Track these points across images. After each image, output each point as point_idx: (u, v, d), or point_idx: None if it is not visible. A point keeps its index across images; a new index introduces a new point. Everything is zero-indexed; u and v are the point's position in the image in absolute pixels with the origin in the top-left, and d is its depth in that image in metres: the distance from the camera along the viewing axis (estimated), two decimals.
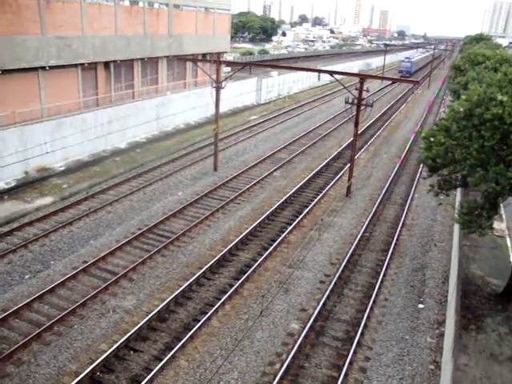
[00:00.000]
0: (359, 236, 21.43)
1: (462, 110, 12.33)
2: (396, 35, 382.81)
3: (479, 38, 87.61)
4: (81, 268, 17.63)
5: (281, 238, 20.80)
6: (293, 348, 14.01)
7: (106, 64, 34.22)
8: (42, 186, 25.41)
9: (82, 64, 31.72)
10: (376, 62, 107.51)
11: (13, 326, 14.62)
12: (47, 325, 14.41)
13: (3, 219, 21.46)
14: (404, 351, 14.45)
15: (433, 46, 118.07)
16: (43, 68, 28.69)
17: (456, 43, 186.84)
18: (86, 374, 12.52)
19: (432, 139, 13.30)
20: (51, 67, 29.11)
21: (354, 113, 25.47)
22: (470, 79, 24.57)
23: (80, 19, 30.50)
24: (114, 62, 34.71)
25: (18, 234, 20.43)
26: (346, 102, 25.62)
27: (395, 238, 21.57)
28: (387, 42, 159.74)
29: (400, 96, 66.74)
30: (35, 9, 27.20)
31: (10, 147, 25.00)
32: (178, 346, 13.76)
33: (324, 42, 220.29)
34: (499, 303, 13.66)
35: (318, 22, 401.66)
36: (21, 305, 15.24)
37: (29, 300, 15.52)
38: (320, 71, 30.59)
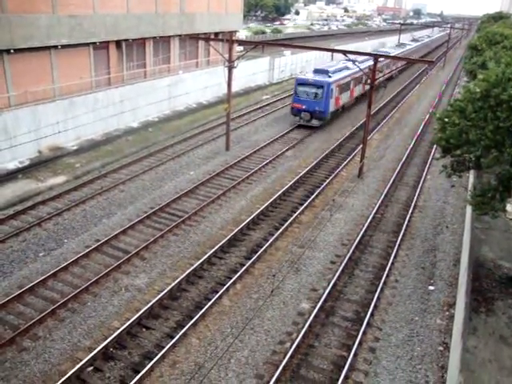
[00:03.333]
0: (371, 217, 21.38)
1: (478, 90, 12.13)
2: (412, 14, 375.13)
3: (498, 17, 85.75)
4: (94, 246, 17.86)
5: (292, 218, 20.85)
6: (303, 327, 14.14)
7: (118, 43, 34.06)
8: (54, 165, 25.60)
9: (94, 43, 31.59)
10: (391, 41, 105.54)
11: (28, 302, 14.92)
12: (61, 301, 14.68)
13: (17, 198, 21.72)
14: (413, 332, 14.52)
15: (449, 25, 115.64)
16: (55, 47, 28.62)
17: (473, 22, 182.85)
18: (100, 349, 12.80)
19: (446, 120, 13.14)
20: (63, 46, 29.03)
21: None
22: (487, 59, 24.11)
23: None
24: (126, 40, 34.52)
25: (32, 212, 20.69)
26: (360, 82, 25.34)
27: (407, 219, 21.50)
28: (401, 22, 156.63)
29: (414, 77, 65.66)
30: None
31: (23, 126, 25.13)
32: (189, 324, 13.95)
33: (337, 20, 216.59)
34: (510, 286, 13.61)
35: (331, 0, 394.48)
36: (36, 282, 15.52)
37: (43, 277, 15.80)
38: (333, 50, 30.21)
